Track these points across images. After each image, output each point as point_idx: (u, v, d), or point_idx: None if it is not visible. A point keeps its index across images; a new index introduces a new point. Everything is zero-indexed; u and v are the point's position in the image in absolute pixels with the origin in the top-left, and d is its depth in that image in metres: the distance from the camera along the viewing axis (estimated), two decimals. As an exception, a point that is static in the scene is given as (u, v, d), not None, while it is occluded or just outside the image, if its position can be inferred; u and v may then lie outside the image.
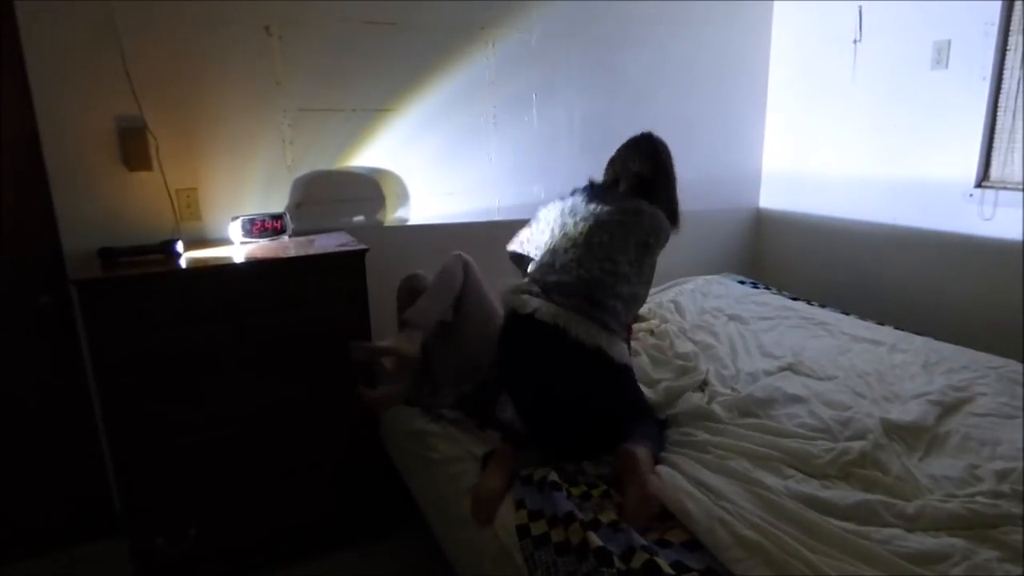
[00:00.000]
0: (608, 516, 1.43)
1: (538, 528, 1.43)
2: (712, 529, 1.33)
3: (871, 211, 3.08)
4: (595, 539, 1.32)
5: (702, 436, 1.74)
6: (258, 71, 2.35)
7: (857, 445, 1.65)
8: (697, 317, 2.72)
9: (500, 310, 1.98)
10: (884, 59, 2.93)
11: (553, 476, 1.56)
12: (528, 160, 2.96)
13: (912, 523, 1.39)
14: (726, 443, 1.69)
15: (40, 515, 2.31)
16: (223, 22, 2.26)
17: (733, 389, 2.04)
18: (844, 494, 1.49)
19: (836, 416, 1.82)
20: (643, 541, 1.32)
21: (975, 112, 2.61)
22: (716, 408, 1.88)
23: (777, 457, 1.63)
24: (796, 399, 1.93)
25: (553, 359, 1.73)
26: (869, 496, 1.47)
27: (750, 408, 1.89)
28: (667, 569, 1.24)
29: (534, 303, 1.76)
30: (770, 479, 1.53)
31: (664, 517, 1.43)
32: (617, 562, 1.27)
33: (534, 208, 2.93)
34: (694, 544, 1.34)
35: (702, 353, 2.31)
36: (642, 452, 1.57)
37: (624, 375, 1.80)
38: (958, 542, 1.31)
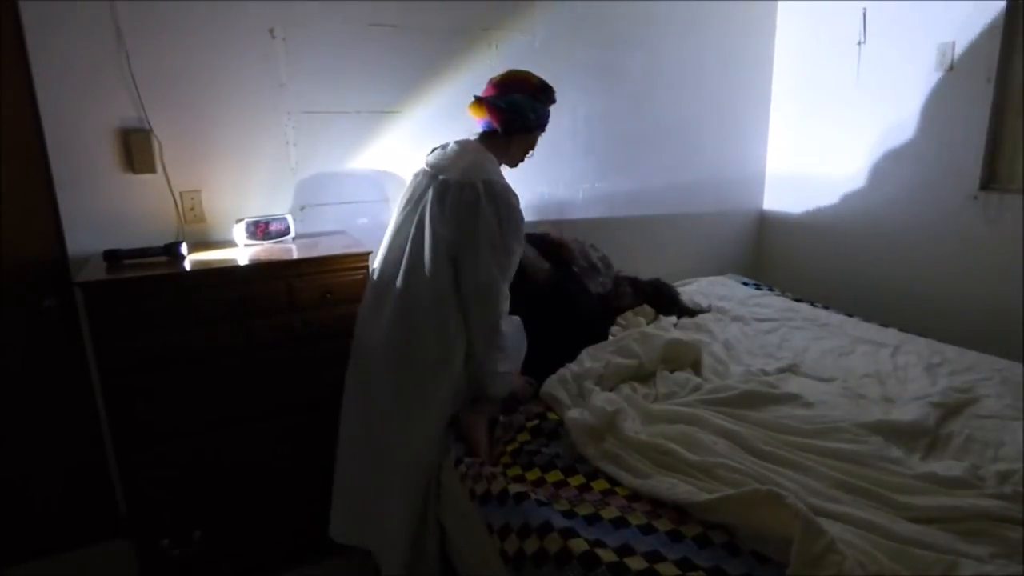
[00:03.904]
0: (610, 512, 1.43)
1: (511, 546, 1.41)
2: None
3: (875, 213, 3.08)
4: (579, 544, 1.30)
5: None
6: (262, 73, 2.35)
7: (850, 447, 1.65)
8: (698, 316, 2.72)
9: None
10: (888, 61, 2.93)
11: (516, 487, 1.53)
12: (532, 161, 2.92)
13: (902, 512, 1.39)
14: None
15: (45, 517, 2.31)
16: (227, 24, 2.27)
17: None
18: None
19: (830, 416, 1.81)
20: (646, 546, 1.32)
21: (980, 114, 2.60)
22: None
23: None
24: (791, 397, 1.92)
25: None
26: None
27: (738, 401, 1.88)
28: (668, 571, 1.24)
29: None
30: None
31: (680, 511, 1.43)
32: (605, 561, 1.26)
33: (539, 210, 2.96)
34: (705, 540, 1.34)
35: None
36: None
37: None
38: (948, 535, 1.31)
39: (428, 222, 1.81)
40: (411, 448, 1.82)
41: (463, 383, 1.84)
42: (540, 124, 1.99)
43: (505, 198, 1.78)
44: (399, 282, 1.85)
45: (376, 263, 1.99)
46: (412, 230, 1.86)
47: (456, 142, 1.96)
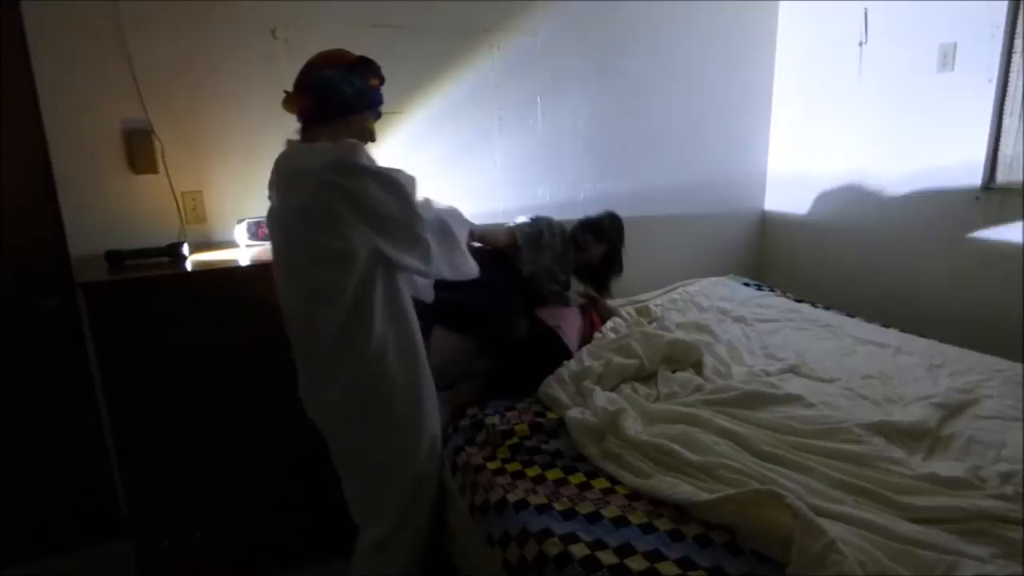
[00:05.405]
0: (611, 511, 1.43)
1: (512, 554, 1.41)
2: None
3: (876, 214, 3.07)
4: (580, 550, 1.31)
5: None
6: (264, 74, 2.35)
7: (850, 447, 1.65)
8: (698, 315, 2.72)
9: None
10: (890, 61, 2.93)
11: (514, 495, 1.53)
12: (533, 163, 2.96)
13: (903, 512, 1.39)
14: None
15: (46, 517, 2.31)
16: (229, 25, 2.27)
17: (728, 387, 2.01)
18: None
19: (832, 416, 1.80)
20: (646, 545, 1.32)
21: (981, 115, 2.60)
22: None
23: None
24: (793, 398, 1.91)
25: None
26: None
27: (740, 402, 1.87)
28: (669, 571, 1.24)
29: None
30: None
31: (681, 510, 1.43)
32: (605, 564, 1.27)
33: (539, 211, 2.95)
34: (705, 539, 1.34)
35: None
36: None
37: None
38: (949, 536, 1.31)
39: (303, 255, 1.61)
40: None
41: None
42: (366, 104, 1.68)
43: (353, 168, 1.53)
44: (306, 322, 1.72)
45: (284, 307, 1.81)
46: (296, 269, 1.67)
47: (276, 161, 1.74)
